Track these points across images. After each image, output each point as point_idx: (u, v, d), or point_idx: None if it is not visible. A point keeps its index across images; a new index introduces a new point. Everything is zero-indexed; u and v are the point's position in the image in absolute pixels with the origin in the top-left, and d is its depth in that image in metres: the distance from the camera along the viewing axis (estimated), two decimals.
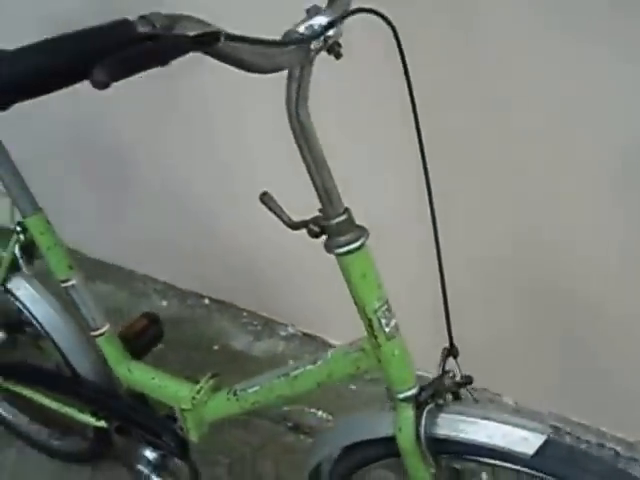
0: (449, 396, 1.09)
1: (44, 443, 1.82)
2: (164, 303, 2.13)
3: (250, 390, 1.23)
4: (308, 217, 0.94)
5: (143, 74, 0.59)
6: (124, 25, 0.60)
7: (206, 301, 2.10)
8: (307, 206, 0.93)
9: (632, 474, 1.02)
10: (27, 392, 1.58)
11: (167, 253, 2.04)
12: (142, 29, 0.61)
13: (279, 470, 1.73)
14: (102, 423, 1.49)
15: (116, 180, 2.01)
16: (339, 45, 0.83)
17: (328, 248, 0.95)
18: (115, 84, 0.55)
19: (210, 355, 2.00)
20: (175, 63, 0.61)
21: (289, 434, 1.80)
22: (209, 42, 0.62)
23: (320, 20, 0.81)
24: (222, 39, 0.63)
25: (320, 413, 1.79)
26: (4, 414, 1.85)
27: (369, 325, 1.00)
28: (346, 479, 1.25)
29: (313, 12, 0.81)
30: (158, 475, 1.47)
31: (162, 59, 0.59)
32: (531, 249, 1.46)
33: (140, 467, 1.47)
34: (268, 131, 1.44)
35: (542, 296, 1.53)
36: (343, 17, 0.81)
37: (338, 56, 0.84)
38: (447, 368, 1.08)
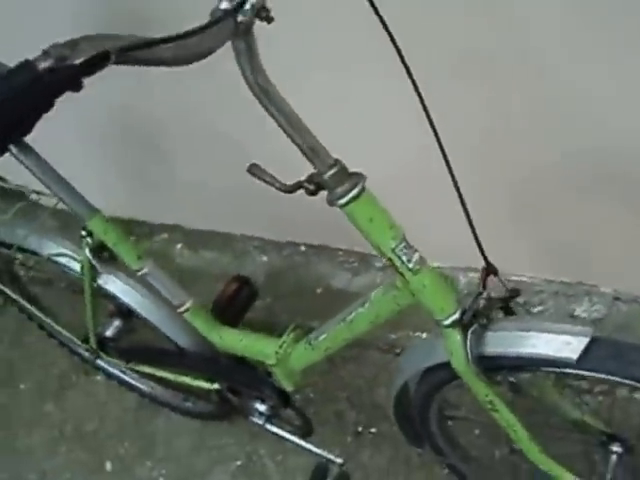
0: (498, 314, 1.10)
1: (183, 407, 1.99)
2: (264, 258, 2.22)
3: (320, 338, 1.29)
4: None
5: None
6: (26, 67, 0.64)
7: (302, 248, 2.16)
8: None
9: None
10: (149, 369, 1.73)
11: (257, 210, 2.11)
12: (43, 65, 0.64)
13: None
14: (216, 386, 1.62)
15: (185, 150, 2.07)
16: (266, 10, 0.83)
17: (330, 202, 0.98)
18: None
19: (314, 299, 2.08)
20: None
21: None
22: (99, 65, 0.64)
23: None
24: (113, 57, 0.65)
25: (425, 335, 1.83)
26: (144, 388, 2.03)
27: (392, 264, 1.02)
28: (430, 399, 1.30)
29: None
30: (272, 424, 1.59)
31: (49, 98, 0.63)
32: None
33: (254, 419, 1.59)
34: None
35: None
36: None
37: (269, 20, 0.84)
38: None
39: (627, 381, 1.00)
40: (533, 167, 1.54)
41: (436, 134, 0.99)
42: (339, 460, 1.52)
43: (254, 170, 0.98)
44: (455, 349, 1.06)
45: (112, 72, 0.68)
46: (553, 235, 1.68)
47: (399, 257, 1.01)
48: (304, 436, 1.59)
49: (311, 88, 1.44)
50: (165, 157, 2.16)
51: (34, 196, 1.57)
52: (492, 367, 1.08)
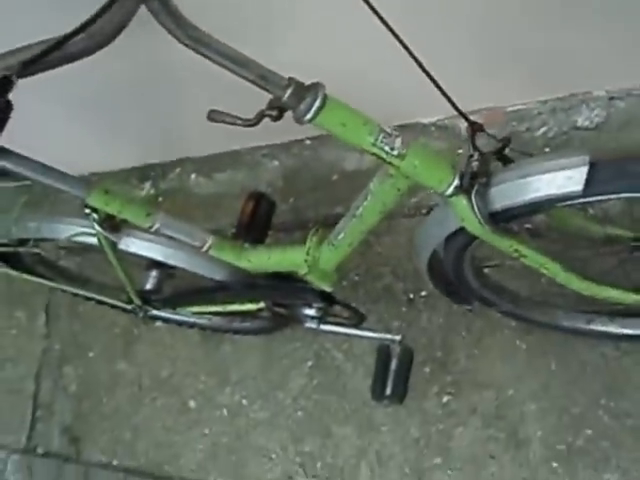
0: (497, 165, 1.11)
1: (243, 328, 2.07)
2: (276, 163, 2.23)
3: (340, 237, 1.32)
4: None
5: None
6: None
7: (307, 142, 2.16)
8: None
9: None
10: (197, 309, 1.79)
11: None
12: None
13: None
14: (262, 305, 1.67)
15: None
16: None
17: (298, 120, 0.97)
18: None
19: (333, 187, 2.09)
20: None
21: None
22: (5, 89, 0.64)
23: None
24: (15, 79, 0.64)
25: None
26: (202, 322, 2.09)
27: (378, 158, 1.02)
28: (459, 260, 1.33)
29: None
30: (325, 323, 1.64)
31: None
32: None
33: (308, 324, 1.65)
34: None
35: None
36: None
37: None
38: None
39: (637, 194, 1.00)
40: None
41: None
42: (397, 337, 1.57)
43: (213, 115, 0.98)
44: (465, 214, 1.07)
45: None
46: (534, 54, 1.65)
47: (382, 149, 1.01)
48: (358, 324, 1.64)
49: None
50: (163, 95, 2.13)
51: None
52: (505, 219, 1.09)
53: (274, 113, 0.95)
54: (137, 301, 1.80)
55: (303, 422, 1.96)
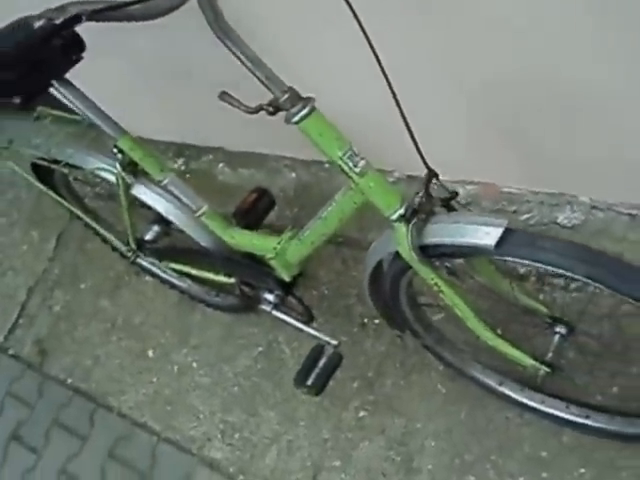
0: (441, 209, 1.32)
1: (214, 302, 2.31)
2: (293, 175, 2.46)
3: (305, 234, 1.55)
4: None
5: None
6: (23, 25, 0.89)
7: (326, 166, 2.38)
8: None
9: (586, 245, 1.21)
10: (180, 267, 2.03)
11: (289, 134, 2.33)
12: (37, 24, 0.89)
13: None
14: (232, 280, 1.91)
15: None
16: None
17: (287, 120, 1.21)
18: None
19: None
20: None
21: None
22: (73, 24, 0.89)
23: None
24: (84, 19, 0.90)
25: None
26: (182, 285, 2.35)
27: (341, 170, 1.25)
28: (397, 284, 1.54)
29: None
30: (278, 310, 1.86)
31: (44, 49, 0.88)
32: None
33: (263, 307, 1.88)
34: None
35: None
36: None
37: None
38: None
39: (538, 264, 1.20)
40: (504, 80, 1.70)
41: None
42: (334, 342, 1.77)
43: (224, 97, 1.21)
44: (401, 239, 1.29)
45: None
46: (537, 149, 1.86)
47: (346, 163, 1.23)
48: (306, 322, 1.86)
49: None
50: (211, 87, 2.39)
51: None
52: (431, 254, 1.30)
53: (270, 109, 1.19)
54: (132, 245, 2.05)
55: (236, 396, 2.18)
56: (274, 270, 1.72)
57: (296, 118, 1.19)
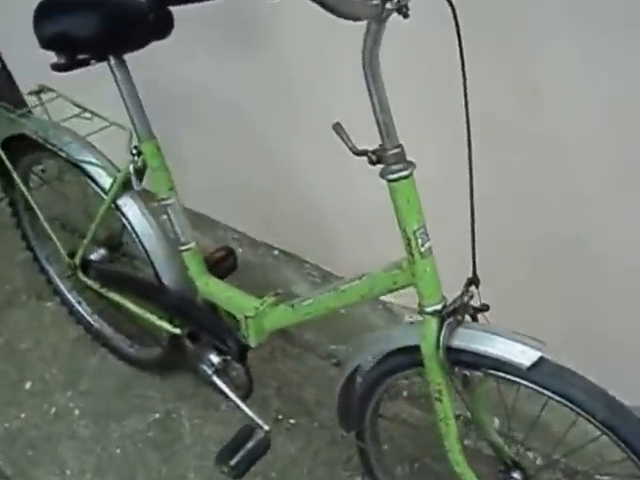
0: (468, 317, 1.32)
1: (124, 351, 2.12)
2: (239, 250, 2.39)
3: (305, 303, 1.48)
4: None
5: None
6: None
7: (275, 252, 2.35)
8: None
9: (609, 394, 1.23)
10: (119, 298, 1.87)
11: (247, 207, 2.30)
12: None
13: (320, 396, 2.00)
14: (177, 330, 1.77)
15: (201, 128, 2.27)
16: (407, 7, 1.07)
17: (382, 174, 1.18)
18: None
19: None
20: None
21: (333, 369, 2.06)
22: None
23: None
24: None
25: None
26: (93, 323, 2.16)
27: (408, 244, 1.22)
28: (375, 386, 1.49)
29: None
30: (218, 377, 1.74)
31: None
32: None
33: (204, 367, 1.74)
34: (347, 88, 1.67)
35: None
36: None
37: (406, 16, 1.07)
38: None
39: (563, 400, 1.19)
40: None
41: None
42: (266, 427, 1.67)
43: (337, 128, 1.18)
44: (429, 334, 1.25)
45: None
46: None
47: (417, 239, 1.21)
48: (242, 398, 1.74)
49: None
50: (178, 137, 2.33)
51: (87, 114, 1.75)
52: (454, 359, 1.28)
53: (374, 157, 1.17)
54: (78, 259, 1.90)
55: (116, 460, 1.96)
56: (239, 332, 1.63)
57: (394, 176, 1.17)
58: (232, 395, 1.73)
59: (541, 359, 1.20)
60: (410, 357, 1.34)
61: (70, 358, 2.20)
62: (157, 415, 2.04)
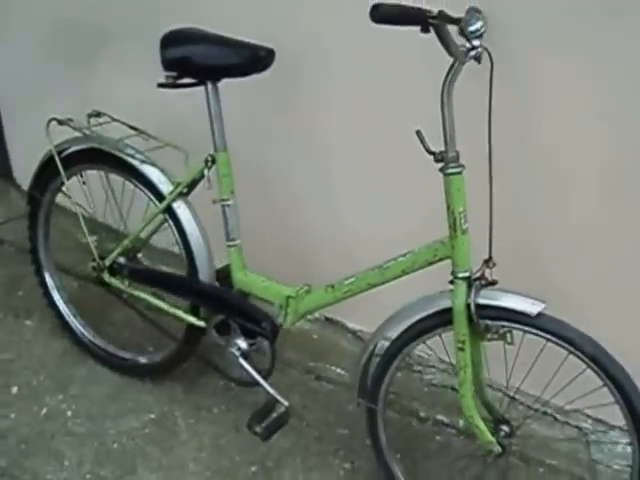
0: None
1: (115, 360, 2.35)
2: None
3: (346, 282, 1.84)
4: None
5: None
6: None
7: None
8: None
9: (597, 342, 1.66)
10: (145, 295, 2.15)
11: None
12: None
13: (306, 402, 2.30)
14: (201, 323, 2.07)
15: None
16: (481, 57, 1.59)
17: (443, 170, 1.63)
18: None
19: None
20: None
21: (313, 382, 2.38)
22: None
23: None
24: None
25: (338, 370, 2.40)
26: (83, 335, 2.36)
27: (453, 222, 1.65)
28: (397, 354, 1.88)
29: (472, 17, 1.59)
30: (245, 358, 2.03)
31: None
32: None
33: (232, 350, 2.03)
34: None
35: None
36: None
37: (479, 61, 1.61)
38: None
39: (560, 341, 1.62)
40: None
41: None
42: (286, 403, 1.96)
43: (419, 134, 1.63)
44: (460, 294, 1.66)
45: None
46: None
47: (460, 219, 1.65)
48: (265, 377, 2.01)
49: None
50: None
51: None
52: (480, 314, 1.68)
53: (439, 157, 1.59)
54: (108, 260, 2.16)
55: (114, 452, 2.10)
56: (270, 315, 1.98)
57: (451, 170, 1.61)
58: (257, 376, 2.02)
59: (544, 311, 1.66)
60: (439, 319, 1.74)
61: (57, 368, 2.34)
62: (152, 415, 2.22)
